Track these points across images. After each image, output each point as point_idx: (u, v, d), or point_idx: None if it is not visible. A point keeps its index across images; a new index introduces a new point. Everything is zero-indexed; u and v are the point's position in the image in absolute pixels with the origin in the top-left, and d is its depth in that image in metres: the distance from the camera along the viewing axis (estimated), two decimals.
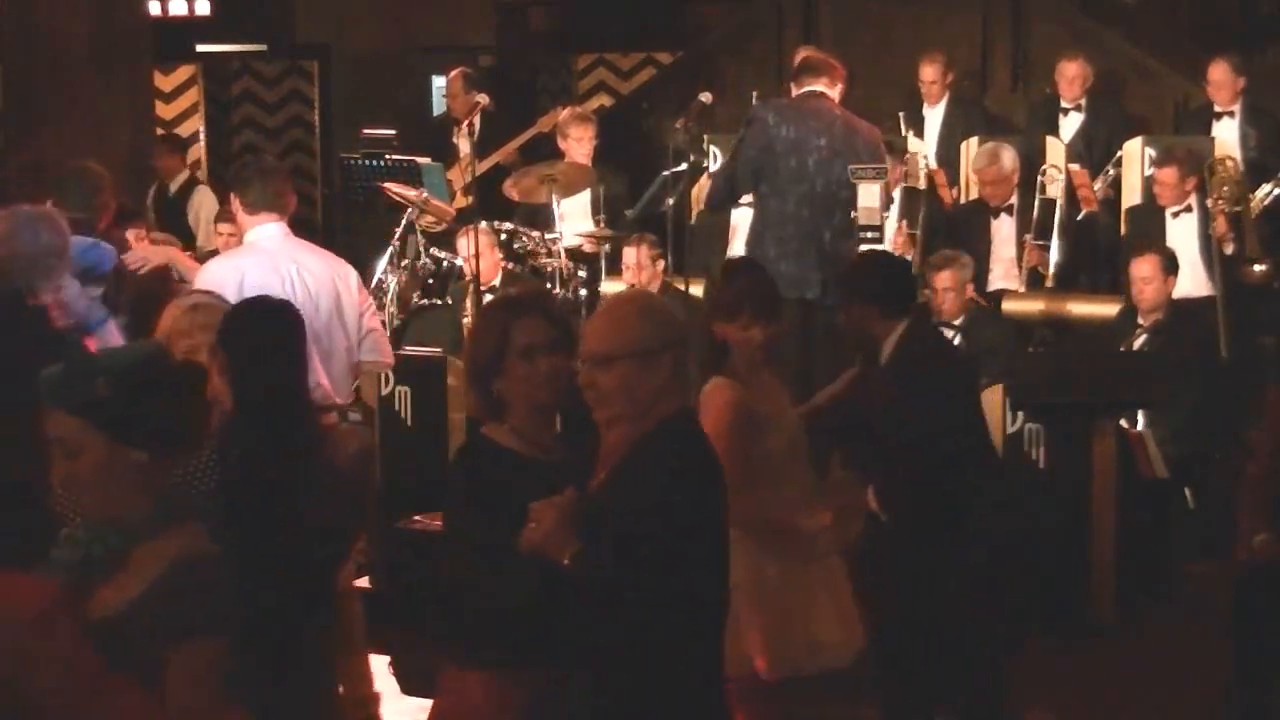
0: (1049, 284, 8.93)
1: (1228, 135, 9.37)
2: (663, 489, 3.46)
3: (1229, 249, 8.57)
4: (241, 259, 5.88)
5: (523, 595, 3.47)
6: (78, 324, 5.57)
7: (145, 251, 6.33)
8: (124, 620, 2.77)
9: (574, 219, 9.20)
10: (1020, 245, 9.05)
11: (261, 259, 5.79)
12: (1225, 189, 8.59)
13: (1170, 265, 7.87)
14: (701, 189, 9.89)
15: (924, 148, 9.80)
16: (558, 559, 3.39)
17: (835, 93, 7.89)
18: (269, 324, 4.30)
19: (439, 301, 8.97)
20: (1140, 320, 7.85)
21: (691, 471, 3.53)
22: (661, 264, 8.44)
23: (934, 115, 10.15)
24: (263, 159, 7.05)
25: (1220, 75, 9.40)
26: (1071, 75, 9.76)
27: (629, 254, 8.44)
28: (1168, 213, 8.76)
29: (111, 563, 2.87)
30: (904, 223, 9.14)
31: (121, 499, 2.89)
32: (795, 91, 7.91)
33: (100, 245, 5.97)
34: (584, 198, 9.32)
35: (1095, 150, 9.71)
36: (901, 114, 10.09)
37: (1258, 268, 8.58)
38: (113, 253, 6.07)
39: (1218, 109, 9.47)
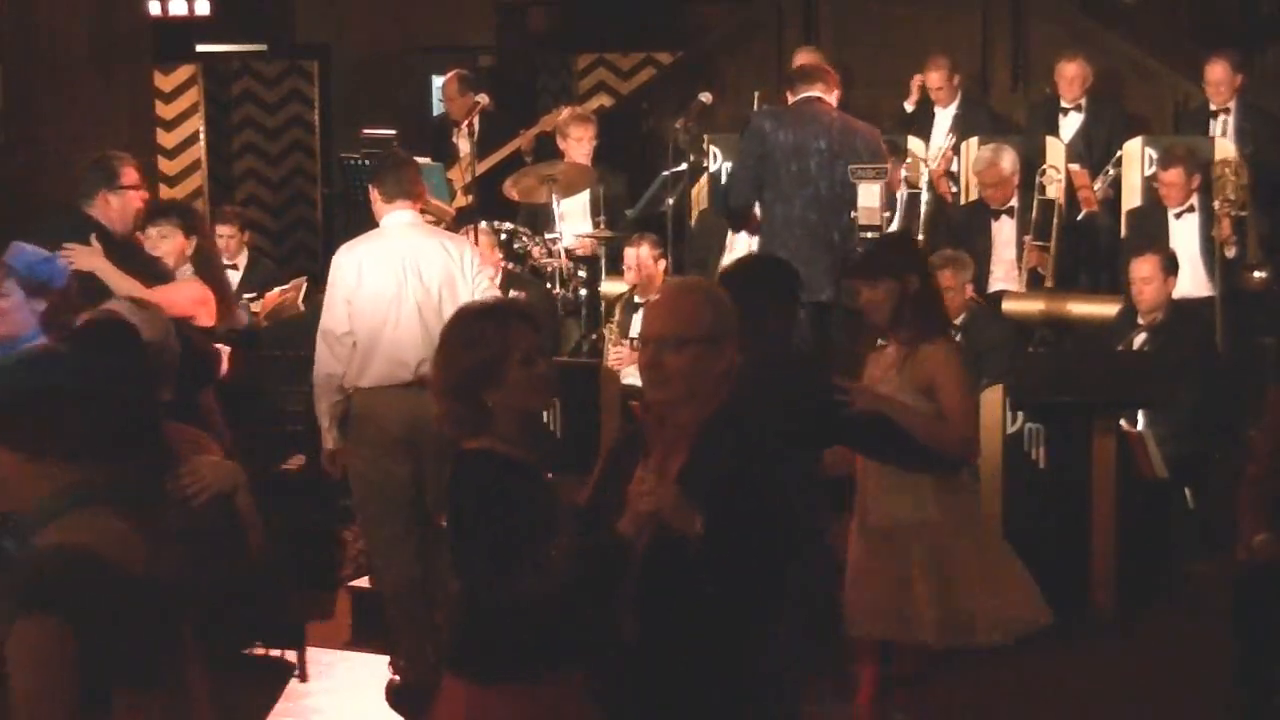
0: (1049, 284, 8.93)
1: (1224, 133, 9.37)
2: (745, 468, 3.51)
3: (1231, 252, 8.55)
4: (362, 250, 6.41)
5: (571, 594, 3.48)
6: (13, 335, 5.40)
7: (74, 255, 6.13)
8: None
9: (573, 219, 9.20)
10: (1020, 246, 9.05)
11: (380, 253, 6.35)
12: (1230, 194, 8.57)
13: (1170, 265, 7.87)
14: (701, 189, 9.90)
15: (924, 150, 9.81)
16: (688, 530, 3.43)
17: (832, 98, 7.89)
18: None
19: None
20: (1140, 320, 7.85)
21: (767, 449, 3.61)
22: (663, 264, 8.43)
23: (944, 116, 10.14)
24: (395, 152, 7.24)
25: (1219, 74, 9.39)
26: (1071, 75, 9.75)
27: (630, 254, 8.44)
28: (1170, 213, 8.76)
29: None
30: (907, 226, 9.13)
31: (15, 497, 2.95)
32: (792, 98, 7.89)
33: (54, 260, 5.82)
34: (583, 198, 9.32)
35: (1095, 150, 9.69)
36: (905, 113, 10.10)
37: (1258, 274, 8.57)
38: (66, 269, 5.94)
39: (1213, 107, 9.48)
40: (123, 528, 2.93)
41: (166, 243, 6.75)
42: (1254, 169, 8.97)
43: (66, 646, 2.74)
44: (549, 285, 8.82)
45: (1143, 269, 7.82)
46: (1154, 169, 9.13)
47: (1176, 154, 8.82)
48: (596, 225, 9.10)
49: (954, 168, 9.76)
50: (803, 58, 8.42)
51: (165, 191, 12.20)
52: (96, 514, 2.92)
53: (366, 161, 9.76)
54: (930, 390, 5.23)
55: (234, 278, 8.57)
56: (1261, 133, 9.36)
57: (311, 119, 13.45)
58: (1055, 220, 9.01)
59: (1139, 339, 7.80)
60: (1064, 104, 9.82)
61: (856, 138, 7.66)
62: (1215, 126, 9.42)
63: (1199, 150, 9.00)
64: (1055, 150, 9.48)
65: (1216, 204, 8.58)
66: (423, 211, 8.90)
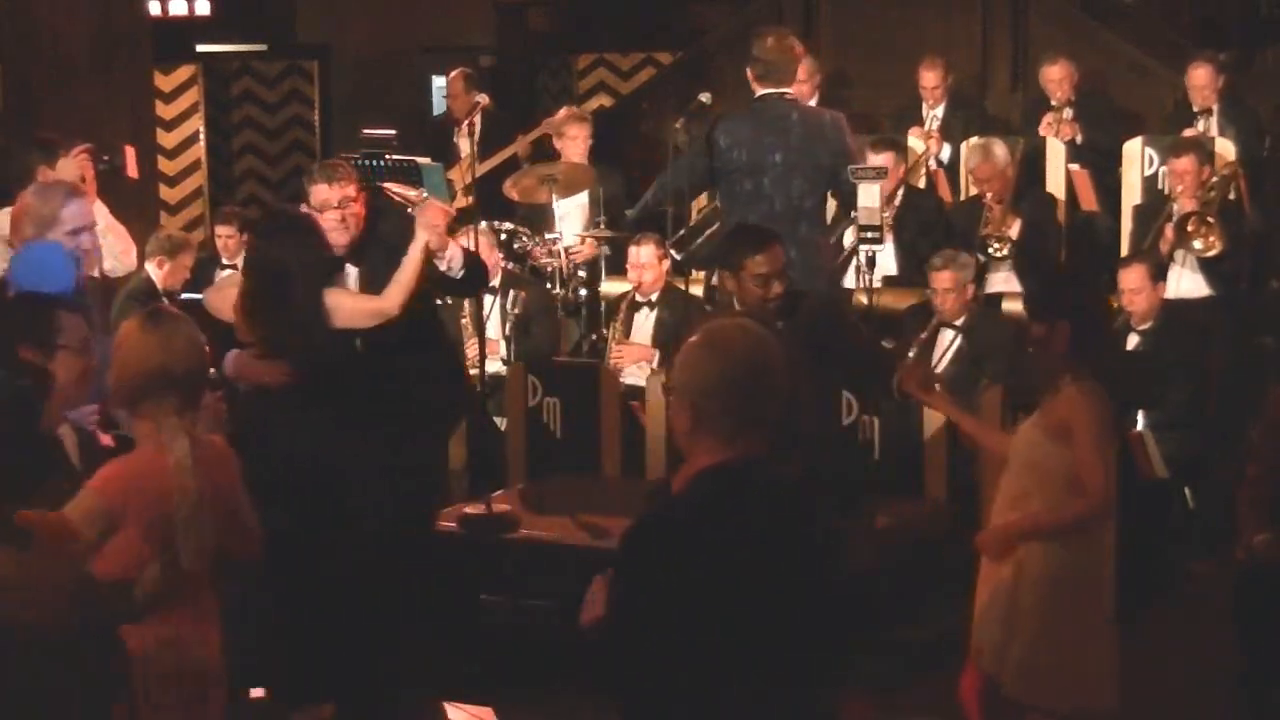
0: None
1: (1208, 131, 9.38)
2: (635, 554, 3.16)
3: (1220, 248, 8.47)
4: None
5: None
6: None
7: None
8: None
9: (573, 219, 9.21)
10: None
11: None
12: (1220, 191, 8.57)
13: (1158, 272, 7.86)
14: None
15: (921, 146, 9.82)
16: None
17: (795, 88, 7.59)
18: None
19: (438, 301, 8.95)
20: (1133, 324, 7.85)
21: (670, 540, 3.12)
22: (667, 263, 8.42)
23: (933, 117, 10.15)
24: None
25: (1201, 79, 9.40)
26: (1057, 78, 9.75)
27: (634, 252, 8.41)
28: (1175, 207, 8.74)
29: None
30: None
31: None
32: (757, 90, 7.43)
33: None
34: (583, 197, 9.32)
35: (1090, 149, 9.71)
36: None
37: (1197, 244, 8.44)
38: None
39: (1196, 108, 9.48)
40: None
41: None
42: (1249, 166, 8.99)
43: None
44: (549, 285, 8.82)
45: (1130, 279, 7.79)
46: (1154, 168, 9.14)
47: (1186, 143, 8.80)
48: (596, 225, 9.10)
49: (944, 155, 9.77)
50: (771, 44, 7.31)
51: (165, 192, 12.21)
52: None
53: (367, 161, 9.77)
54: (1064, 433, 5.04)
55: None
56: (1244, 128, 9.37)
57: (311, 119, 13.46)
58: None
59: (1132, 342, 7.81)
60: (1054, 104, 9.79)
61: (818, 142, 7.24)
62: (1200, 124, 9.42)
63: (1206, 145, 9.00)
64: (1055, 150, 9.49)
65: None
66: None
